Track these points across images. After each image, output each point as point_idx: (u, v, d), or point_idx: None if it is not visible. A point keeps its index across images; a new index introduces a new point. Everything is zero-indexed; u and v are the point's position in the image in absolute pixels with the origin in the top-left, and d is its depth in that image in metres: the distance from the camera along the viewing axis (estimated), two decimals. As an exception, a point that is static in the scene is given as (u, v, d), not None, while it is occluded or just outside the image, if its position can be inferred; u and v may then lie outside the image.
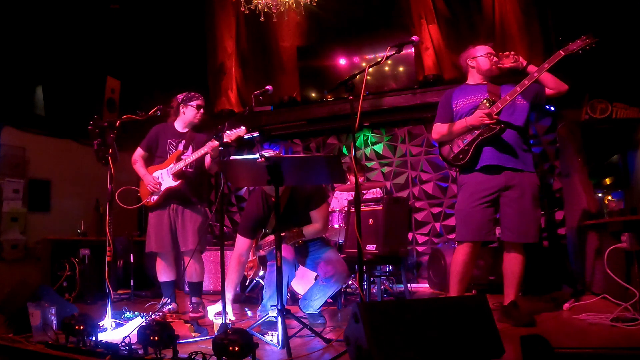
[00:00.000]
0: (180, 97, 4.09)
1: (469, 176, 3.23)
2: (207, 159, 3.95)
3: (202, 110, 4.09)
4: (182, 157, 3.97)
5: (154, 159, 4.12)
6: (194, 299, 4.03)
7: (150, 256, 4.83)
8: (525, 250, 3.17)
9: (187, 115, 4.07)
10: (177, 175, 3.93)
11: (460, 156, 3.20)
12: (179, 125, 4.11)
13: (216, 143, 3.64)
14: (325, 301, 3.41)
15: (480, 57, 3.28)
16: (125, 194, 4.12)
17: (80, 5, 5.90)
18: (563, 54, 2.98)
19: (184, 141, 4.05)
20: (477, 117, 3.10)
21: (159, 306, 3.93)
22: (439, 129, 3.34)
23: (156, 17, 6.42)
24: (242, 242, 3.44)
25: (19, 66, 5.60)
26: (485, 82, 3.29)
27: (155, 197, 4.00)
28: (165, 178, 3.98)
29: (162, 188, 3.97)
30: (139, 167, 4.08)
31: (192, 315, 3.87)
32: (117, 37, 6.27)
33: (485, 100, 3.15)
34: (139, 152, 4.13)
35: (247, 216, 3.50)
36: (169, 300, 4.00)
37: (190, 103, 4.04)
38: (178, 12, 6.47)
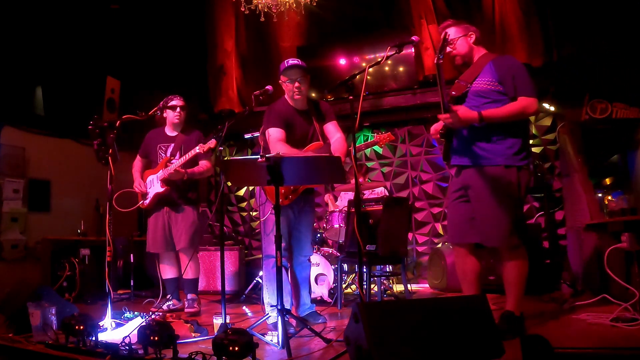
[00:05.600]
0: (161, 103, 4.13)
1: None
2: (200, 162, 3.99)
3: (179, 110, 4.11)
4: (170, 162, 4.03)
5: (152, 164, 4.21)
6: (189, 296, 4.08)
7: (150, 256, 4.85)
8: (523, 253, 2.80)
9: (168, 117, 4.15)
10: (164, 181, 4.01)
11: (444, 154, 3.03)
12: (168, 129, 4.21)
13: (198, 150, 3.74)
14: (317, 299, 3.35)
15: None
16: (125, 196, 4.16)
17: (80, 5, 5.89)
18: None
19: (172, 145, 4.12)
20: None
21: (165, 302, 3.94)
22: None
23: (156, 17, 6.41)
24: (275, 132, 3.17)
25: (19, 66, 5.60)
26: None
27: (147, 201, 4.09)
28: (154, 184, 4.07)
29: (151, 194, 4.05)
30: (134, 171, 4.23)
31: (187, 310, 3.93)
32: (117, 37, 6.26)
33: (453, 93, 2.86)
34: (137, 159, 4.27)
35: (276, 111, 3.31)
36: (170, 296, 4.03)
37: (168, 105, 4.05)
38: (178, 12, 6.47)
